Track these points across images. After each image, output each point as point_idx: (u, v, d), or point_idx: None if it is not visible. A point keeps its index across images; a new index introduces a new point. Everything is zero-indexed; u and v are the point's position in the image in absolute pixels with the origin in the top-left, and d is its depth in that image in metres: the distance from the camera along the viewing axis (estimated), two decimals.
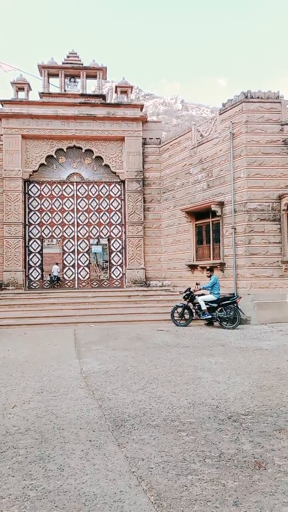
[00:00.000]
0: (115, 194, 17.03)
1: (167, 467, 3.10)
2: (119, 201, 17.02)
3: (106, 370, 6.37)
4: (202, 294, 11.94)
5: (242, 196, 12.83)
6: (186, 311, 11.89)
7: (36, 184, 16.63)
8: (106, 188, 17.00)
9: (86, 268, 16.91)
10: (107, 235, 17.01)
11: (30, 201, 16.59)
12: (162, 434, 3.76)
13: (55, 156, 16.62)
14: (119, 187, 17.03)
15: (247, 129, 12.82)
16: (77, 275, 16.77)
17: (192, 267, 14.96)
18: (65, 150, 16.65)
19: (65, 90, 16.81)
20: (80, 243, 16.82)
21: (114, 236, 16.99)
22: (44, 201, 16.67)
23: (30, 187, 16.60)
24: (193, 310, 11.88)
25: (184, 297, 12.03)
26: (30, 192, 16.60)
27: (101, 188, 16.98)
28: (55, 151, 16.54)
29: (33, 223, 16.59)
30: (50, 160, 16.66)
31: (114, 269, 17.01)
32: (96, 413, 4.38)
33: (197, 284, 12.26)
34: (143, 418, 4.18)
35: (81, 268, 16.81)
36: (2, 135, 16.01)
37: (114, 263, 17.01)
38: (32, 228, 16.58)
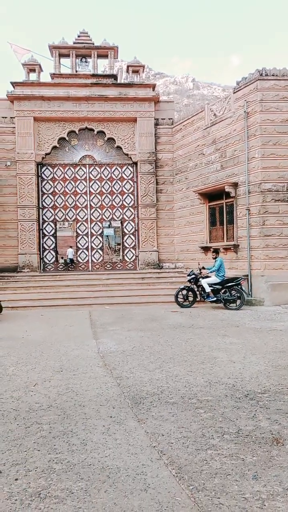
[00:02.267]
0: (127, 176, 16.96)
1: (187, 442, 3.20)
2: (132, 183, 16.95)
3: (122, 350, 6.49)
4: (207, 277, 11.91)
5: (257, 176, 12.67)
6: (190, 293, 11.95)
7: (49, 167, 16.64)
8: (118, 170, 16.93)
9: (100, 251, 17.02)
10: (120, 218, 17.02)
11: (43, 184, 16.64)
12: (181, 411, 3.85)
13: (67, 138, 16.56)
14: (131, 169, 16.94)
15: (262, 107, 12.56)
16: (91, 258, 16.89)
17: (205, 249, 14.93)
18: (77, 132, 16.57)
19: (76, 71, 16.61)
20: (94, 225, 16.88)
21: (127, 218, 17.00)
22: (57, 184, 16.70)
23: (43, 170, 16.62)
24: (197, 292, 11.91)
25: (189, 281, 12.03)
26: (43, 175, 16.63)
27: (114, 170, 16.92)
28: (67, 133, 16.47)
29: (46, 206, 16.68)
30: (62, 142, 16.61)
31: (127, 252, 17.07)
32: (115, 390, 4.50)
33: (203, 268, 12.23)
34: (161, 396, 4.28)
35: (95, 250, 16.92)
36: (14, 117, 15.98)
37: (127, 246, 17.07)
38: (46, 211, 16.67)
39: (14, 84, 15.93)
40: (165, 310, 11.37)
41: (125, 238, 17.10)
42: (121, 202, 16.95)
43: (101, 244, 17.09)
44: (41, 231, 16.60)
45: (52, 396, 4.38)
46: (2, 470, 2.87)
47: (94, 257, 16.92)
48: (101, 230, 17.05)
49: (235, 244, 13.48)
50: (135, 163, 16.69)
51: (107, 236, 22.92)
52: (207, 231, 15.04)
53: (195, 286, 11.93)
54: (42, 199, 16.63)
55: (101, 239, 17.11)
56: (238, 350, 6.29)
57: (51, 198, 16.69)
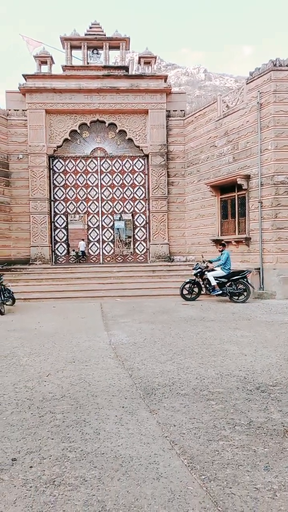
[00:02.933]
0: (138, 169, 16.92)
1: (199, 433, 3.23)
2: (143, 175, 16.91)
3: (134, 342, 6.53)
4: (213, 270, 11.79)
5: (269, 168, 12.53)
6: (195, 286, 11.88)
7: (60, 160, 16.68)
8: (129, 162, 16.90)
9: (111, 244, 17.06)
10: (131, 210, 17.02)
11: (55, 176, 16.70)
12: (192, 402, 3.88)
13: (78, 131, 16.55)
14: (142, 161, 16.89)
15: (275, 98, 12.38)
16: (102, 251, 16.95)
17: (217, 242, 14.85)
18: (88, 124, 16.55)
19: (88, 63, 16.54)
20: (105, 218, 16.92)
21: (138, 211, 17.00)
22: (68, 176, 16.74)
23: (54, 162, 16.67)
24: (203, 286, 11.85)
25: (195, 274, 11.91)
26: (54, 168, 16.69)
27: (125, 163, 16.89)
28: (78, 125, 16.46)
29: (58, 198, 16.75)
30: (74, 135, 16.61)
31: (138, 244, 17.09)
32: (127, 381, 4.54)
33: (209, 261, 12.14)
34: (172, 387, 4.31)
35: (106, 243, 16.97)
36: (26, 110, 16.02)
37: (138, 238, 17.08)
38: (58, 204, 16.75)
39: (26, 76, 15.95)
40: (176, 303, 11.39)
41: (136, 231, 17.11)
42: (132, 195, 16.94)
43: (112, 237, 17.13)
44: (52, 224, 16.69)
45: (65, 386, 4.44)
46: (17, 458, 2.94)
47: (105, 250, 16.98)
48: (112, 223, 17.08)
49: (247, 237, 13.39)
50: (147, 156, 16.63)
51: (118, 229, 22.98)
52: (218, 224, 14.96)
53: (200, 280, 11.87)
54: (53, 191, 16.70)
55: (112, 231, 17.14)
56: (250, 343, 6.29)
57: (62, 191, 16.75)
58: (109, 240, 17.02)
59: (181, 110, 16.64)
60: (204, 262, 12.26)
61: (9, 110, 16.13)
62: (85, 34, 16.66)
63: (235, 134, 13.99)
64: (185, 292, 11.80)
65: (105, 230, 16.94)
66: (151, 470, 2.71)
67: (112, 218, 17.04)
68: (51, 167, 16.58)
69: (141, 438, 3.17)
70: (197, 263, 12.22)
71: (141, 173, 16.92)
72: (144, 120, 16.56)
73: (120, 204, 16.92)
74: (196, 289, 11.89)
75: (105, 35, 16.64)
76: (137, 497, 2.41)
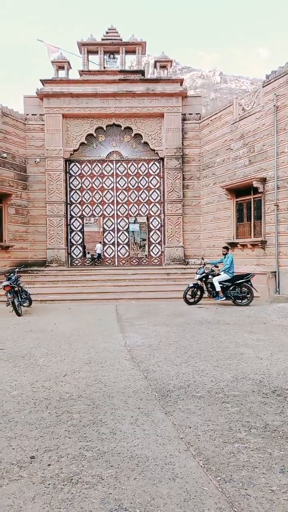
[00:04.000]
0: (154, 172, 16.99)
1: (214, 435, 3.24)
2: (158, 178, 16.97)
3: (149, 344, 6.57)
4: (218, 274, 11.65)
5: (286, 171, 12.45)
6: (197, 290, 11.70)
7: (76, 163, 16.87)
8: (145, 166, 16.98)
9: (126, 246, 17.16)
10: (146, 213, 17.10)
11: (71, 180, 16.90)
12: (207, 405, 3.89)
13: (94, 135, 16.72)
14: (158, 164, 16.96)
15: None
16: (117, 253, 17.05)
17: (232, 245, 14.80)
18: (104, 128, 16.71)
19: (104, 67, 16.72)
20: (120, 221, 17.03)
21: (153, 214, 17.05)
22: (84, 180, 16.92)
23: (71, 166, 16.87)
24: (205, 289, 11.64)
25: (199, 279, 11.61)
26: (71, 171, 16.88)
27: (140, 166, 16.98)
28: (94, 129, 16.63)
29: (74, 201, 16.93)
30: (90, 138, 16.79)
31: (153, 247, 17.14)
32: (142, 383, 4.58)
33: (215, 266, 12.01)
34: (187, 390, 4.33)
35: (121, 246, 17.07)
36: (43, 114, 16.27)
37: (153, 241, 17.13)
38: (74, 207, 16.93)
39: (44, 81, 16.21)
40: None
41: (151, 234, 17.16)
42: (147, 198, 17.01)
43: (127, 240, 17.23)
44: (68, 227, 16.87)
45: (81, 386, 4.50)
46: (35, 456, 3.01)
47: (120, 253, 17.08)
48: (127, 226, 17.18)
49: (263, 240, 13.31)
50: (162, 159, 16.69)
51: (133, 231, 23.06)
52: (234, 227, 14.91)
53: (203, 283, 11.64)
54: (70, 195, 16.89)
55: (127, 234, 17.24)
56: (265, 347, 6.26)
57: (78, 194, 16.93)
58: (124, 242, 17.11)
59: (196, 113, 16.66)
60: (204, 264, 12.08)
61: (27, 114, 16.41)
62: (102, 39, 16.84)
63: (251, 137, 13.95)
64: (188, 296, 11.59)
65: (120, 232, 17.05)
66: (167, 471, 2.74)
67: (127, 221, 17.15)
68: (67, 170, 16.79)
69: (157, 439, 3.21)
70: (201, 267, 11.96)
71: (156, 176, 16.98)
72: (159, 123, 16.64)
73: (135, 207, 17.01)
74: (198, 293, 11.70)
75: (121, 39, 16.81)
76: (153, 496, 2.45)
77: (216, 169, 15.70)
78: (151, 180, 16.99)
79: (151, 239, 17.17)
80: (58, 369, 5.21)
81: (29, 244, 16.43)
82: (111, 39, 16.79)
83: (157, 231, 17.08)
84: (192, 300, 11.58)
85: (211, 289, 11.54)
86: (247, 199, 14.24)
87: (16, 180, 16.00)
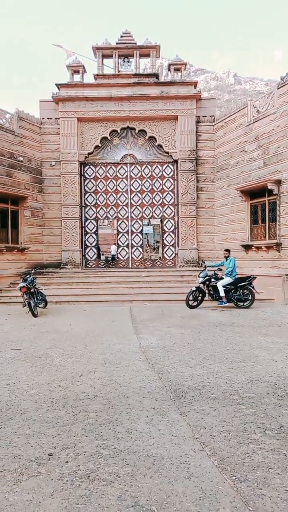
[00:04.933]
0: (168, 174, 17.04)
1: (229, 436, 3.27)
2: (172, 181, 17.01)
3: (163, 346, 6.61)
4: (221, 278, 11.49)
5: None
6: (199, 292, 11.50)
7: (91, 166, 17.03)
8: (159, 168, 17.04)
9: (140, 248, 17.23)
10: (160, 216, 17.14)
11: (86, 182, 17.06)
12: (222, 406, 3.92)
13: (109, 138, 16.86)
14: (172, 167, 17.00)
15: None
16: (131, 255, 17.13)
17: (247, 247, 14.75)
18: (119, 131, 16.83)
19: (119, 71, 16.86)
20: (134, 223, 17.11)
21: (166, 216, 17.09)
22: (99, 182, 17.06)
23: (85, 169, 17.04)
24: (206, 292, 11.45)
25: (202, 283, 11.43)
26: (85, 174, 17.05)
27: (154, 169, 17.05)
28: (109, 132, 16.77)
29: (89, 204, 17.08)
30: (104, 142, 16.93)
31: (167, 249, 17.17)
32: (157, 384, 4.63)
33: (219, 269, 11.91)
34: (202, 391, 4.36)
35: (135, 248, 17.15)
36: (59, 118, 16.48)
37: (167, 243, 17.16)
38: (88, 209, 17.09)
39: (59, 85, 16.42)
40: (212, 307, 11.38)
41: (164, 236, 17.20)
42: (161, 200, 17.06)
43: (141, 242, 17.30)
44: (83, 229, 17.03)
45: (97, 386, 4.57)
46: (53, 453, 3.08)
47: (134, 255, 17.15)
48: (141, 228, 17.26)
49: (278, 242, 13.21)
50: (176, 161, 16.73)
51: (146, 233, 23.13)
52: (248, 229, 14.85)
53: (204, 286, 11.46)
54: (84, 197, 17.05)
55: (141, 236, 17.31)
56: (280, 350, 6.24)
57: (93, 197, 17.08)
58: (138, 244, 17.19)
59: (210, 116, 16.66)
60: (205, 267, 11.93)
61: (43, 118, 16.64)
62: (116, 43, 16.99)
63: (265, 139, 13.89)
64: (190, 300, 11.33)
65: (134, 235, 17.13)
66: (182, 470, 2.78)
67: (141, 223, 17.22)
68: (82, 173, 16.95)
69: (172, 439, 3.25)
70: (202, 270, 11.76)
71: (170, 179, 17.02)
72: (173, 126, 16.68)
73: (149, 209, 17.07)
74: (200, 296, 11.49)
75: (135, 43, 16.92)
76: (169, 494, 2.49)
77: (230, 171, 15.67)
78: (165, 182, 17.04)
79: (165, 241, 17.21)
80: (74, 369, 5.29)
81: (45, 246, 16.64)
82: (125, 43, 16.92)
83: (171, 233, 17.11)
84: (194, 304, 11.36)
85: (212, 292, 11.39)
86: (261, 201, 14.17)
87: (32, 183, 16.23)
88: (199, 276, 11.54)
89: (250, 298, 11.36)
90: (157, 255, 17.91)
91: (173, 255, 17.07)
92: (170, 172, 17.01)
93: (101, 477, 2.73)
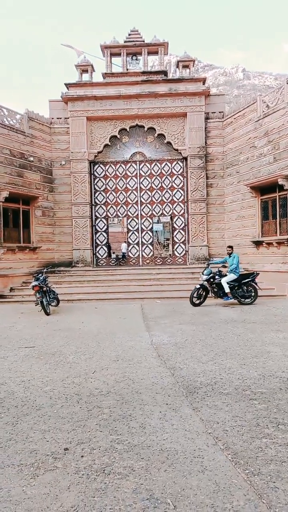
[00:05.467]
0: (177, 172, 17.04)
1: (242, 431, 3.30)
2: (182, 178, 17.01)
3: (175, 343, 6.65)
4: (225, 275, 11.39)
5: None
6: (203, 290, 11.37)
7: (101, 165, 17.10)
8: (168, 165, 17.04)
9: (150, 246, 17.27)
10: (170, 213, 17.15)
11: (95, 181, 17.14)
12: (234, 401, 3.94)
13: (118, 136, 16.91)
14: (181, 164, 16.99)
15: None
16: (141, 253, 17.18)
17: (257, 244, 14.69)
18: (128, 129, 16.87)
19: (127, 69, 16.88)
20: (144, 221, 17.15)
21: (176, 213, 17.10)
22: (108, 181, 17.13)
23: (95, 167, 17.12)
24: (210, 289, 11.31)
25: (206, 280, 11.24)
26: (95, 173, 17.13)
27: (164, 166, 17.05)
28: (118, 131, 16.82)
29: (99, 202, 17.17)
30: (113, 140, 16.99)
31: (177, 247, 17.18)
32: (169, 380, 4.67)
33: (223, 266, 11.81)
34: (214, 387, 4.39)
35: (145, 246, 17.19)
36: (68, 118, 16.57)
37: (177, 241, 17.17)
38: (98, 208, 17.17)
39: (68, 85, 16.50)
40: (216, 304, 11.38)
41: (175, 233, 17.21)
42: (171, 198, 17.07)
43: (151, 239, 17.34)
44: (93, 227, 17.13)
45: (110, 383, 4.63)
46: (69, 448, 3.14)
47: (145, 252, 17.20)
48: (151, 226, 17.29)
49: None
50: (185, 158, 16.72)
51: (156, 231, 23.16)
52: (259, 225, 14.78)
53: (208, 284, 11.31)
54: (94, 196, 17.14)
55: (151, 234, 17.35)
56: None
57: (103, 195, 17.16)
58: (148, 242, 17.22)
59: (219, 112, 16.59)
60: (208, 265, 11.79)
61: (52, 118, 16.76)
62: (124, 41, 17.00)
63: (275, 134, 13.79)
64: (194, 298, 11.19)
65: (144, 232, 17.17)
66: (196, 463, 2.82)
67: (151, 220, 17.25)
68: (92, 172, 17.04)
69: (185, 434, 3.29)
70: (206, 268, 11.59)
71: (179, 176, 17.02)
72: (182, 123, 16.66)
73: (159, 207, 17.10)
74: (203, 294, 11.36)
75: (143, 41, 16.92)
76: (183, 487, 2.53)
77: (240, 167, 15.60)
78: (175, 179, 17.03)
79: (175, 238, 17.22)
80: (87, 366, 5.35)
81: (56, 245, 16.78)
82: (133, 41, 16.93)
83: (181, 231, 17.12)
84: (197, 302, 11.19)
85: (216, 290, 11.28)
86: (272, 196, 14.09)
87: (43, 183, 16.37)
88: (203, 274, 11.36)
89: (253, 294, 11.30)
90: (167, 253, 17.95)
91: (184, 252, 17.07)
92: (180, 169, 17.00)
93: (116, 471, 2.77)
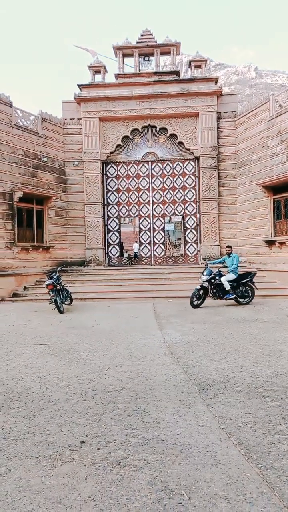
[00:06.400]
0: (189, 171, 17.06)
1: (254, 427, 3.35)
2: (194, 178, 17.02)
3: (187, 341, 6.70)
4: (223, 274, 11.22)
5: None
6: (202, 291, 11.11)
7: (113, 165, 17.22)
8: (180, 165, 17.08)
9: (162, 246, 17.32)
10: (182, 213, 17.18)
11: (108, 181, 17.27)
12: (247, 398, 3.99)
13: (130, 137, 17.00)
14: (193, 164, 17.01)
15: None
16: (153, 252, 17.25)
17: (270, 243, 14.64)
18: (140, 130, 16.95)
19: (139, 70, 16.96)
20: (156, 221, 17.22)
21: (188, 213, 17.12)
22: (121, 181, 17.24)
23: (107, 168, 17.24)
24: (209, 290, 11.06)
25: (206, 280, 10.95)
26: (108, 173, 17.25)
27: (175, 166, 17.09)
28: (130, 131, 16.91)
29: (111, 202, 17.29)
30: (126, 140, 17.08)
31: (189, 246, 17.21)
32: (182, 377, 4.73)
33: (223, 266, 11.67)
34: (227, 384, 4.44)
35: (157, 245, 17.26)
36: (81, 118, 16.73)
37: (189, 240, 17.20)
38: (110, 208, 17.29)
39: (81, 86, 16.65)
40: (227, 303, 11.39)
41: (186, 233, 17.24)
42: (182, 197, 17.10)
43: (163, 239, 17.39)
44: (106, 227, 17.25)
45: (124, 379, 4.71)
46: (85, 441, 3.23)
47: (157, 252, 17.27)
48: (163, 225, 17.34)
49: None
50: (197, 158, 16.73)
51: (167, 231, 23.18)
52: (271, 224, 14.73)
53: (207, 284, 11.04)
54: (107, 196, 17.27)
55: (163, 234, 17.40)
56: None
57: (115, 195, 17.27)
58: (160, 242, 17.28)
59: (232, 111, 16.57)
60: (207, 265, 11.49)
61: (65, 119, 16.92)
62: (137, 42, 17.09)
63: None
64: (194, 299, 10.91)
65: (156, 232, 17.23)
66: (209, 457, 2.89)
67: (163, 220, 17.31)
68: (104, 172, 17.17)
69: (199, 429, 3.35)
70: (205, 268, 11.28)
71: (191, 176, 17.04)
72: (194, 123, 16.68)
73: (171, 207, 17.14)
74: (203, 295, 11.10)
75: (156, 41, 16.98)
76: (197, 480, 2.60)
77: (253, 167, 15.56)
78: (187, 179, 17.06)
79: (186, 238, 17.25)
80: (101, 363, 5.45)
81: (69, 245, 16.95)
82: (146, 41, 17.00)
83: (192, 230, 17.14)
84: (197, 303, 10.89)
85: (215, 291, 11.06)
86: (285, 196, 14.03)
87: (56, 183, 16.56)
88: (203, 274, 11.08)
89: (250, 294, 11.25)
90: (178, 252, 17.98)
91: (195, 251, 17.09)
92: (192, 169, 17.02)
93: (132, 463, 2.86)
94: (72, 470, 2.82)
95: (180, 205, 17.12)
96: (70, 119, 16.91)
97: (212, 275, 11.00)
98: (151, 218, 17.19)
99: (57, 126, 16.65)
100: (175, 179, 17.08)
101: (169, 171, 17.09)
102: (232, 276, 11.07)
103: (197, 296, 10.94)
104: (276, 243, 14.26)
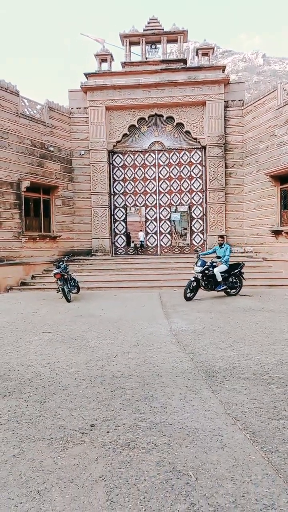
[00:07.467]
0: (196, 161, 16.99)
1: (259, 412, 3.43)
2: (200, 167, 16.96)
3: (193, 330, 6.79)
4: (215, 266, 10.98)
5: None
6: (195, 283, 10.85)
7: (119, 154, 17.19)
8: (187, 155, 17.01)
9: (168, 235, 17.36)
10: (188, 202, 17.16)
11: (114, 171, 17.26)
12: (253, 385, 4.07)
13: (137, 126, 16.93)
14: (200, 153, 16.93)
15: None
16: (159, 242, 17.29)
17: (277, 233, 14.62)
18: (146, 119, 16.86)
19: (146, 58, 16.81)
20: (162, 210, 17.22)
21: (195, 203, 17.10)
22: (127, 170, 17.22)
23: (114, 157, 17.21)
24: (201, 281, 10.76)
25: (200, 272, 10.64)
26: (114, 162, 17.23)
27: (182, 155, 17.03)
28: (137, 120, 16.83)
29: (117, 192, 17.30)
30: (132, 129, 17.02)
31: (195, 236, 17.22)
32: (189, 364, 4.82)
33: (217, 257, 11.34)
34: (233, 371, 4.53)
35: (163, 235, 17.29)
36: (87, 107, 16.67)
37: (195, 230, 17.20)
38: (117, 197, 17.31)
39: (88, 75, 16.56)
40: (210, 297, 11.39)
41: (193, 223, 17.24)
42: (189, 187, 17.06)
43: (169, 229, 17.41)
44: (112, 217, 17.30)
45: (132, 366, 4.81)
46: (95, 424, 3.33)
47: (163, 242, 17.31)
48: (169, 215, 17.35)
49: None
50: (204, 147, 16.65)
51: (174, 220, 23.19)
52: (278, 214, 14.68)
53: (200, 276, 10.74)
54: (113, 185, 17.28)
55: (169, 223, 17.42)
56: None
57: (121, 185, 17.27)
58: (166, 232, 17.31)
59: (239, 100, 16.42)
60: (199, 257, 11.15)
61: (72, 108, 16.87)
62: (144, 30, 16.90)
63: None
64: (188, 292, 10.50)
65: (162, 222, 17.25)
66: (216, 441, 2.98)
67: (169, 210, 17.30)
68: (111, 162, 17.15)
69: (205, 414, 3.44)
70: (198, 260, 10.96)
71: (198, 165, 16.97)
72: (201, 112, 16.56)
73: (177, 196, 17.12)
74: (196, 287, 10.83)
75: (163, 29, 16.79)
76: (204, 462, 2.69)
77: (260, 156, 15.47)
78: (193, 169, 17.01)
79: (193, 227, 17.25)
80: (109, 350, 5.55)
81: (75, 234, 17.03)
82: (152, 29, 16.82)
83: (199, 220, 17.13)
84: (190, 295, 10.54)
85: (206, 282, 10.80)
86: None
87: (63, 173, 16.58)
88: (196, 265, 10.79)
89: (238, 285, 11.21)
90: (184, 242, 18.00)
91: (202, 241, 17.11)
92: (198, 158, 16.95)
93: (140, 446, 2.95)
94: (83, 451, 2.92)
95: (187, 195, 17.09)
96: (77, 108, 16.86)
97: (206, 266, 10.75)
98: (158, 207, 17.19)
99: (63, 115, 16.61)
100: (181, 168, 17.03)
101: (176, 160, 17.03)
102: (224, 267, 10.86)
103: (190, 288, 10.59)
104: (283, 233, 14.24)
